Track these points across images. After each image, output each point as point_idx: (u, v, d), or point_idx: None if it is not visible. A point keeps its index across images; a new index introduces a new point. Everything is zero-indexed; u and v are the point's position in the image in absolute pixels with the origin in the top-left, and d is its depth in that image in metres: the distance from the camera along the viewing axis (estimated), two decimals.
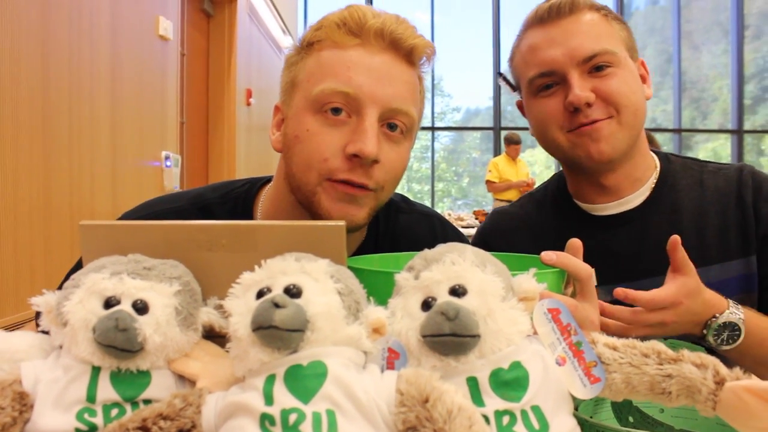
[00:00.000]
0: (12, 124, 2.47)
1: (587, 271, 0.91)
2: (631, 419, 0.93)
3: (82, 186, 3.04)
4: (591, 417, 0.91)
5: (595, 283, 0.93)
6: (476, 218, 8.12)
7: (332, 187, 1.05)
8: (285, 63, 1.15)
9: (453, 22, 12.62)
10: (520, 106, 1.42)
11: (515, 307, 0.68)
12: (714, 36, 12.23)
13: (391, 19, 1.07)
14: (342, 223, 0.75)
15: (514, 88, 1.42)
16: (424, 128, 11.84)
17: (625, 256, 1.29)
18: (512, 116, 12.65)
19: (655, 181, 1.34)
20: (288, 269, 0.65)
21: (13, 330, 0.74)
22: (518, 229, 1.45)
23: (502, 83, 1.46)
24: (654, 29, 12.66)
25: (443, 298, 0.66)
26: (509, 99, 12.91)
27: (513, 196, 7.94)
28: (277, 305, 0.59)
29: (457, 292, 0.66)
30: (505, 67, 1.44)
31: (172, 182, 4.18)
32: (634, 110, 1.24)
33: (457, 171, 13.81)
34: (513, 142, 8.14)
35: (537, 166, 12.96)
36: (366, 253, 1.16)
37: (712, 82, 12.36)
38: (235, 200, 1.25)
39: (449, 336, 0.63)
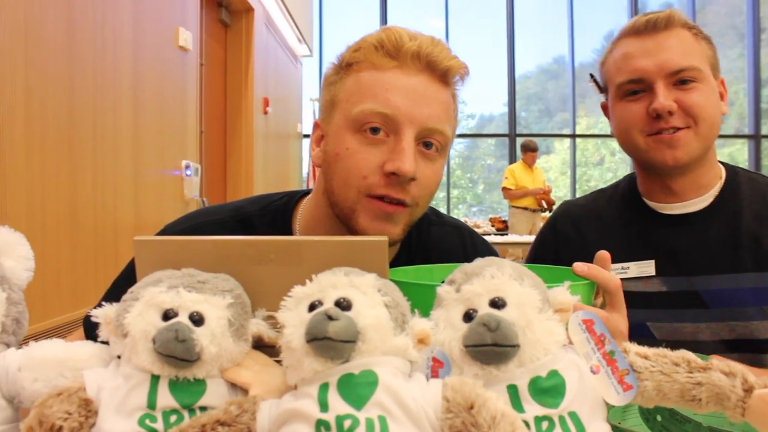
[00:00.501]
0: (40, 139, 2.53)
1: (615, 283, 0.96)
2: (659, 417, 0.95)
3: (106, 197, 3.10)
4: (619, 423, 0.94)
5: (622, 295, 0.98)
6: (492, 225, 8.15)
7: (370, 204, 1.09)
8: (324, 81, 1.19)
9: (467, 28, 12.65)
10: (604, 107, 1.54)
11: (551, 319, 0.71)
12: (729, 40, 12.19)
13: (426, 41, 1.11)
14: (384, 238, 0.78)
15: (601, 90, 1.54)
16: None
17: (684, 253, 1.41)
18: (527, 122, 12.66)
19: (719, 189, 1.45)
20: (338, 283, 0.69)
21: (39, 339, 0.78)
22: (588, 219, 1.57)
23: (592, 84, 1.57)
24: None
25: (484, 310, 0.69)
26: (523, 105, 12.92)
27: (529, 203, 7.95)
28: (330, 318, 0.63)
29: (497, 304, 0.70)
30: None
31: (192, 191, 4.23)
32: (710, 123, 1.36)
33: (472, 178, 13.83)
34: (530, 150, 8.14)
35: (552, 172, 12.97)
36: (399, 264, 1.20)
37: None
38: (275, 213, 1.29)
39: (491, 346, 0.66)
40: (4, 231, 0.86)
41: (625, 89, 1.41)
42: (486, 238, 1.48)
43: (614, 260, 1.37)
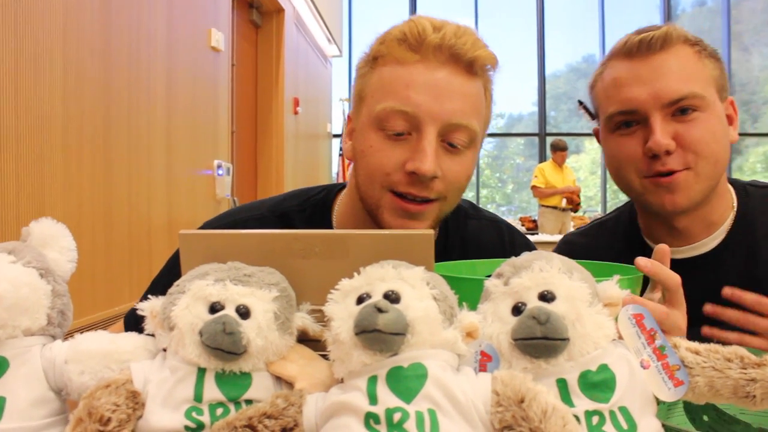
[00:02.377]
0: (77, 142, 2.56)
1: (675, 280, 0.93)
2: (705, 418, 0.94)
3: (140, 197, 3.13)
4: (664, 421, 0.93)
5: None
6: (522, 224, 8.10)
7: (394, 201, 1.09)
8: (356, 72, 1.18)
9: (497, 28, 12.59)
10: (596, 134, 1.36)
11: (601, 313, 0.70)
12: (765, 37, 11.99)
13: (451, 31, 1.07)
14: (430, 231, 0.77)
15: (593, 116, 1.36)
16: None
17: (695, 302, 1.17)
18: (556, 122, 12.57)
19: (731, 222, 1.28)
20: (386, 276, 0.68)
21: (76, 334, 0.79)
22: (590, 259, 1.39)
23: (582, 111, 1.41)
24: (701, 31, 12.41)
25: (533, 303, 0.69)
26: (552, 104, 12.83)
27: (558, 201, 7.90)
28: (380, 310, 0.63)
29: (546, 297, 0.69)
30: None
31: (224, 190, 4.25)
32: (714, 161, 1.18)
33: (501, 177, 13.77)
34: (560, 149, 8.09)
35: (582, 171, 12.86)
36: (437, 255, 1.19)
37: (763, 84, 12.12)
38: (313, 207, 1.29)
39: (541, 339, 0.66)
40: (48, 222, 0.86)
41: (616, 121, 1.22)
42: None
43: None
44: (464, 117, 1.08)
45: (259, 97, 5.77)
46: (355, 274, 0.70)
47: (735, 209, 1.29)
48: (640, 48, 1.19)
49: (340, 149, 8.00)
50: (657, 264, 0.93)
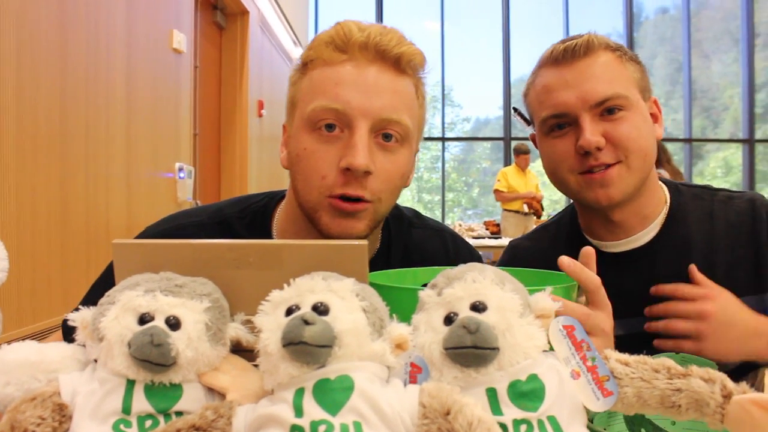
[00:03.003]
0: (32, 140, 2.52)
1: (595, 282, 0.94)
2: (643, 431, 0.95)
3: (98, 199, 3.09)
4: (605, 429, 0.94)
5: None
6: (487, 228, 8.14)
7: (330, 204, 1.09)
8: (288, 82, 1.19)
9: (463, 31, 12.67)
10: (533, 139, 1.43)
11: (532, 324, 0.71)
12: (724, 45, 12.23)
13: (376, 30, 1.09)
14: (364, 242, 0.77)
15: (528, 122, 1.44)
16: (433, 139, 11.86)
17: (634, 293, 1.28)
18: (522, 126, 12.66)
19: (664, 216, 1.36)
20: (316, 288, 0.68)
21: (31, 340, 0.77)
22: (534, 262, 1.39)
23: (517, 118, 1.47)
24: (664, 38, 12.67)
25: (465, 313, 0.69)
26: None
27: (519, 206, 7.96)
28: (306, 322, 0.62)
29: (477, 308, 0.69)
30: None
31: (185, 193, 4.22)
32: (643, 155, 1.26)
33: (467, 181, 13.83)
34: (522, 152, 8.15)
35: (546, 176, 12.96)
36: (378, 266, 1.20)
37: (722, 91, 12.35)
38: (254, 214, 1.29)
39: (471, 348, 0.66)
40: None
41: (549, 124, 1.30)
42: (480, 241, 1.46)
43: None
44: (395, 112, 1.09)
45: (222, 99, 5.73)
46: (286, 285, 0.70)
47: (667, 204, 1.37)
48: (565, 55, 1.27)
49: None
50: (578, 265, 0.94)
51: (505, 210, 8.03)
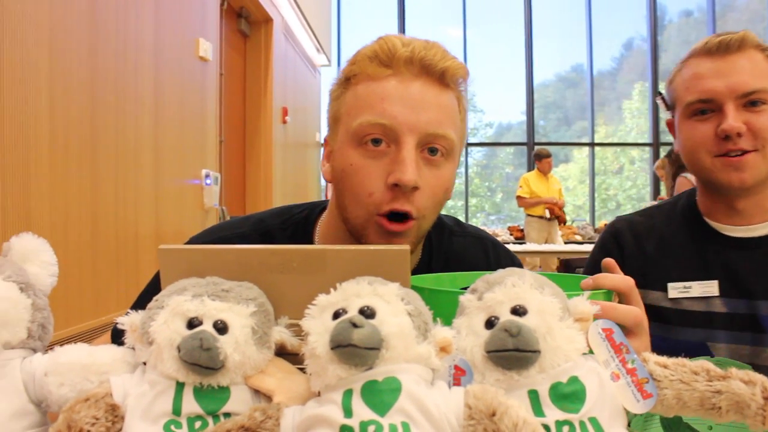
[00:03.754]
0: (63, 149, 2.56)
1: (626, 284, 0.94)
2: None
3: (127, 206, 3.13)
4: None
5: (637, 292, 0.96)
6: (511, 234, 8.13)
7: (378, 224, 1.09)
8: (330, 96, 1.19)
9: (485, 37, 12.67)
10: (669, 125, 1.54)
11: (571, 327, 0.72)
12: None
13: (420, 45, 1.09)
14: (406, 247, 0.78)
15: (668, 107, 1.54)
16: None
17: (747, 276, 1.40)
18: (545, 131, 12.63)
19: None
20: (362, 292, 0.70)
21: (63, 345, 0.80)
22: (648, 236, 1.56)
23: (659, 101, 1.58)
24: (688, 41, 12.56)
25: (506, 317, 0.70)
26: (541, 113, 12.89)
27: (542, 211, 7.94)
28: (354, 325, 0.64)
29: (518, 311, 0.71)
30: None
31: (212, 200, 4.26)
32: None
33: (490, 186, 13.82)
34: (544, 156, 8.11)
35: (571, 180, 12.93)
36: (420, 273, 1.20)
37: None
38: (296, 226, 1.29)
39: (513, 351, 0.68)
40: (28, 237, 0.87)
41: (693, 108, 1.40)
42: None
43: (675, 279, 1.44)
44: (441, 127, 1.09)
45: (247, 106, 5.78)
46: (332, 289, 0.71)
47: None
48: (720, 48, 1.38)
49: None
50: (600, 276, 0.94)
51: (528, 215, 8.01)
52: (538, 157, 8.18)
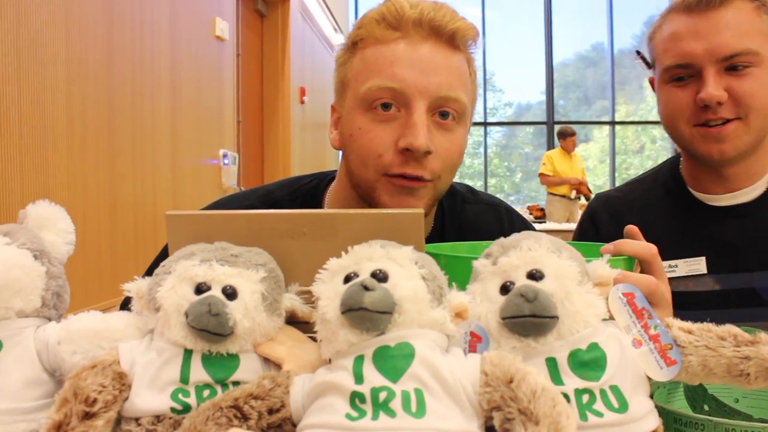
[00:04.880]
0: (81, 129, 2.56)
1: (649, 251, 0.90)
2: (706, 407, 0.93)
3: (145, 186, 3.13)
4: (665, 404, 0.92)
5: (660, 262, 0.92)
6: (530, 213, 8.08)
7: (389, 182, 1.07)
8: (336, 63, 1.17)
9: (504, 16, 12.55)
10: (651, 82, 1.42)
11: (591, 292, 0.69)
12: None
13: (428, 6, 1.07)
14: (420, 210, 0.76)
15: (649, 65, 1.42)
16: (475, 124, 11.77)
17: (739, 247, 1.30)
18: (564, 110, 12.51)
19: None
20: (374, 255, 0.67)
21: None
22: (628, 212, 1.44)
23: (638, 60, 1.49)
24: None
25: (521, 282, 0.68)
26: (561, 93, 12.78)
27: (567, 190, 7.87)
28: (366, 288, 0.62)
29: (534, 276, 0.68)
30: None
31: (230, 179, 4.25)
32: (764, 114, 1.23)
33: (509, 166, 13.74)
34: (568, 135, 8.03)
35: (591, 160, 12.82)
36: (432, 242, 1.18)
37: None
38: (304, 197, 1.28)
39: (529, 317, 0.65)
40: (44, 205, 0.85)
41: (671, 73, 1.28)
42: None
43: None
44: (452, 89, 1.06)
45: (265, 86, 5.76)
46: (343, 253, 0.69)
47: None
48: (700, 4, 1.23)
49: None
50: (622, 242, 0.90)
51: (551, 194, 7.94)
52: (562, 135, 8.11)
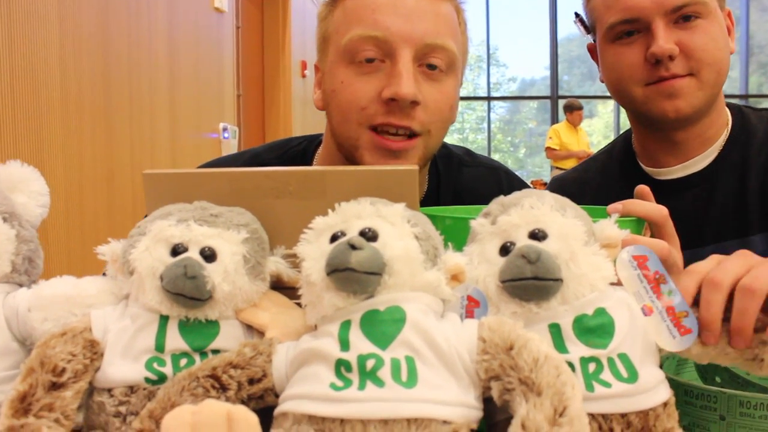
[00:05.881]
0: (76, 102, 2.51)
1: (660, 213, 0.85)
2: (718, 379, 0.88)
3: (143, 160, 3.09)
4: (675, 376, 0.87)
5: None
6: (534, 188, 8.01)
7: (373, 139, 1.02)
8: (318, 18, 1.12)
9: None
10: (591, 50, 1.32)
11: (598, 253, 0.64)
12: None
13: None
14: (414, 166, 0.72)
15: (589, 30, 1.31)
16: (479, 98, 11.69)
17: (690, 220, 1.18)
18: (569, 86, 12.41)
19: (725, 139, 1.24)
20: (363, 213, 0.62)
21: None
22: (581, 195, 1.31)
23: (578, 24, 1.34)
24: None
25: (523, 242, 0.63)
26: (565, 68, 12.66)
27: (572, 164, 7.80)
28: (353, 247, 0.57)
29: (537, 236, 0.63)
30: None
31: (230, 153, 4.21)
32: (717, 68, 1.15)
33: (513, 142, 13.64)
34: (576, 108, 7.95)
35: (595, 136, 12.72)
36: (427, 206, 1.14)
37: None
38: (293, 160, 1.23)
39: (531, 280, 0.60)
40: (16, 165, 0.82)
41: (617, 31, 1.17)
42: None
43: None
44: (439, 37, 1.01)
45: (266, 60, 5.70)
46: (330, 211, 0.64)
47: (729, 126, 1.25)
48: None
49: None
50: (631, 202, 0.84)
51: (557, 168, 7.87)
52: (569, 109, 8.03)
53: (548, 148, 7.98)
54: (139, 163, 3.04)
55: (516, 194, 0.69)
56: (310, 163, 1.23)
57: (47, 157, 2.32)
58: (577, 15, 1.33)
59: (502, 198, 0.69)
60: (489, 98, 11.86)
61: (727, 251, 0.73)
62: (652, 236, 0.87)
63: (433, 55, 1.01)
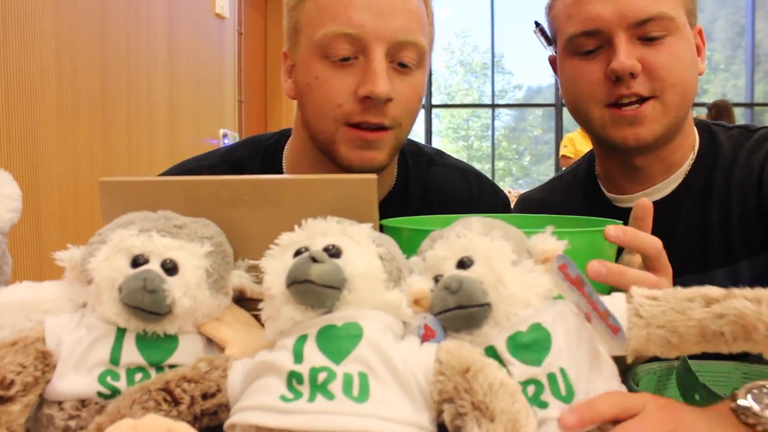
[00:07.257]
0: (72, 107, 2.50)
1: (656, 247, 0.81)
2: (697, 397, 0.87)
3: (140, 166, 3.07)
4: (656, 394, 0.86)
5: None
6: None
7: (349, 133, 1.03)
8: (285, 6, 1.11)
9: None
10: (552, 63, 1.24)
11: (532, 270, 0.63)
12: None
13: None
14: (373, 176, 0.70)
15: (550, 41, 1.22)
16: (484, 106, 11.66)
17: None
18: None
19: (690, 164, 1.16)
20: (329, 230, 0.62)
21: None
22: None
23: (538, 35, 1.27)
24: (725, 1, 12.19)
25: (450, 272, 0.62)
26: None
27: None
28: (314, 260, 0.56)
29: (464, 264, 0.62)
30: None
31: None
32: (682, 90, 1.07)
33: (518, 149, 13.59)
34: None
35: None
36: (395, 202, 1.17)
37: None
38: (264, 153, 1.23)
39: (455, 309, 0.60)
40: None
41: (577, 43, 1.09)
42: None
43: None
44: (411, 33, 1.02)
45: (268, 66, 5.70)
46: (296, 227, 0.63)
47: (696, 150, 1.17)
48: None
49: None
50: (631, 232, 0.80)
51: None
52: None
53: (563, 156, 7.96)
54: (137, 169, 3.03)
55: (450, 226, 0.68)
56: (281, 156, 1.22)
57: (42, 166, 2.31)
58: (537, 24, 1.27)
59: (434, 233, 0.69)
60: (493, 106, 11.82)
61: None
62: (643, 263, 0.84)
63: (405, 51, 1.02)
